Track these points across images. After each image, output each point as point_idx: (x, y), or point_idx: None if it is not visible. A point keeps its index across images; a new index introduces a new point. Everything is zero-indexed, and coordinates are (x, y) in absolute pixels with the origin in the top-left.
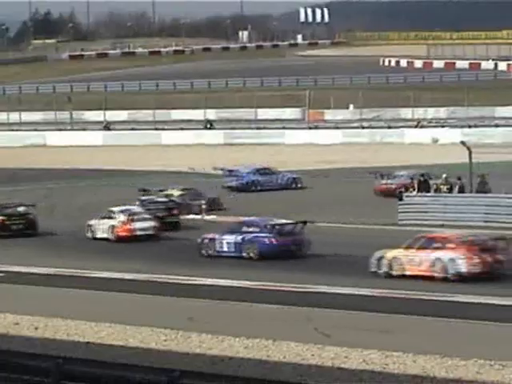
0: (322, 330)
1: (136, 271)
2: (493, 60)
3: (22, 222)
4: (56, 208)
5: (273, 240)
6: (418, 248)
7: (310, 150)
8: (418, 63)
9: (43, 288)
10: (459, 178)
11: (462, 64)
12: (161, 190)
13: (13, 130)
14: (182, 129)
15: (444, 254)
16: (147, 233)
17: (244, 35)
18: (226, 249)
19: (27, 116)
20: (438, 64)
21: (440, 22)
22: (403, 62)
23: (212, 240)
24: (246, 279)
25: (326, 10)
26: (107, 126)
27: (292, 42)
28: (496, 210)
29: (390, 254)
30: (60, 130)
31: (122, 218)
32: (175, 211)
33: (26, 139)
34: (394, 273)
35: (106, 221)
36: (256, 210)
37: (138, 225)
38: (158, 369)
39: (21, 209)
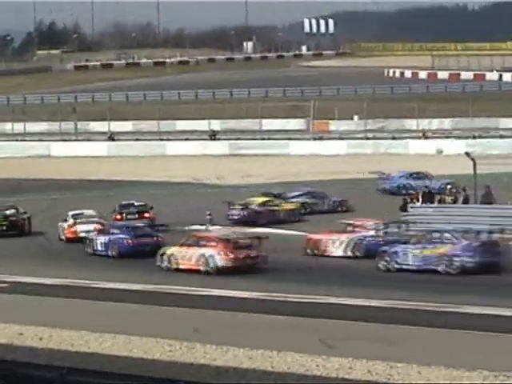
0: (326, 340)
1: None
2: (497, 71)
3: (5, 223)
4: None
5: (129, 241)
6: (189, 245)
7: (315, 161)
8: (423, 74)
9: (47, 298)
10: (464, 189)
11: (466, 75)
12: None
13: (17, 141)
14: (186, 139)
15: (206, 251)
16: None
17: (249, 46)
18: (99, 248)
19: (32, 126)
20: (443, 75)
21: (445, 32)
22: (408, 73)
23: (91, 240)
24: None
25: (330, 21)
26: (112, 137)
27: (297, 52)
28: (501, 221)
29: (169, 250)
30: (64, 140)
31: (71, 221)
32: (146, 215)
33: (30, 149)
34: (172, 267)
35: (62, 223)
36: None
37: (81, 227)
38: (160, 379)
39: (8, 211)
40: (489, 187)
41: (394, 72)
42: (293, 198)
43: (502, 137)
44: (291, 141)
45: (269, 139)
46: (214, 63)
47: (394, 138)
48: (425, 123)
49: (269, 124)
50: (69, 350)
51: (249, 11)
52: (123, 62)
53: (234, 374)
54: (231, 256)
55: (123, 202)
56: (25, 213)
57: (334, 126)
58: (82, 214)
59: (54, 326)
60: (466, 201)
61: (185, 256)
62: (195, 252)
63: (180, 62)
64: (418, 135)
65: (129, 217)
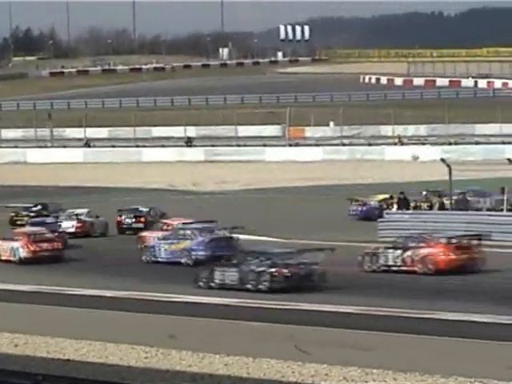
0: (302, 347)
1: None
2: (473, 78)
3: None
4: None
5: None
6: (4, 239)
7: (291, 167)
8: (399, 81)
9: (23, 305)
10: (439, 196)
11: (442, 81)
12: None
13: None
14: (162, 146)
15: (11, 244)
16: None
17: (224, 52)
18: None
19: (7, 133)
20: (419, 81)
21: (420, 39)
22: (383, 80)
23: None
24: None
25: (306, 27)
26: (88, 143)
27: (272, 59)
28: (476, 228)
29: None
30: (40, 147)
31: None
32: (142, 219)
33: (6, 156)
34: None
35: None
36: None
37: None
38: None
39: None
40: (464, 193)
41: (370, 78)
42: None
43: (477, 143)
44: (267, 147)
45: (245, 146)
46: (189, 70)
47: (369, 145)
48: (400, 129)
49: (245, 131)
50: (44, 357)
51: (224, 17)
52: (99, 68)
53: (209, 380)
54: (32, 248)
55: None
56: None
57: (310, 132)
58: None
59: (30, 332)
60: (441, 207)
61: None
62: (8, 245)
63: (156, 69)
64: (394, 141)
65: (127, 220)
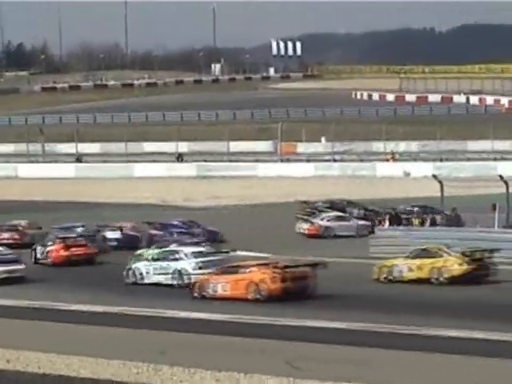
0: (293, 363)
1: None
2: (465, 94)
3: None
4: None
5: None
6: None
7: (283, 183)
8: (390, 97)
9: (15, 320)
10: (431, 212)
11: (433, 98)
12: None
13: None
14: (154, 161)
15: None
16: None
17: (216, 68)
18: None
19: None
20: (410, 98)
21: (412, 55)
22: (375, 96)
23: None
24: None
25: (298, 43)
26: (79, 158)
27: (264, 74)
28: (468, 244)
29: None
30: (32, 162)
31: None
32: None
33: None
34: None
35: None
36: None
37: None
38: None
39: None
40: (455, 209)
41: (362, 94)
42: None
43: (469, 159)
44: (259, 163)
45: (236, 161)
46: (182, 85)
47: (361, 161)
48: (392, 146)
49: (237, 146)
50: (36, 373)
51: (216, 33)
52: (91, 83)
53: None
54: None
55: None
56: None
57: (302, 148)
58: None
59: (22, 348)
60: (433, 223)
61: None
62: None
63: (148, 84)
64: (386, 158)
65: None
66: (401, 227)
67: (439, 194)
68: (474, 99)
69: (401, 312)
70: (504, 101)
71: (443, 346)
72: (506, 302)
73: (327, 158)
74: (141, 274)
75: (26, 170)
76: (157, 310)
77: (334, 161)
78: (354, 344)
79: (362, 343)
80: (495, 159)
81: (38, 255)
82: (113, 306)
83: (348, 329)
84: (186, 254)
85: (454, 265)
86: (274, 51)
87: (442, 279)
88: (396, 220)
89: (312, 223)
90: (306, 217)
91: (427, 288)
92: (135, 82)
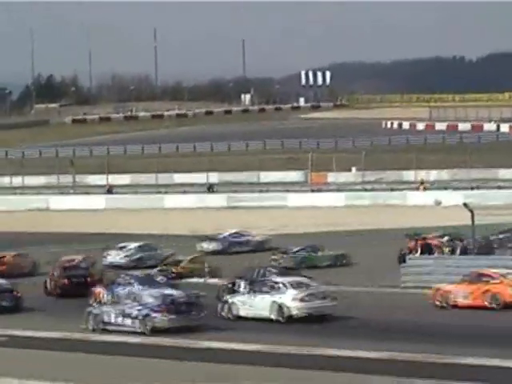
0: None
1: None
2: (495, 122)
3: None
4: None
5: None
6: None
7: (313, 213)
8: (421, 125)
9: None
10: (461, 240)
11: (464, 126)
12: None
13: (16, 194)
14: (184, 192)
15: None
16: None
17: (246, 98)
18: None
19: (30, 180)
20: (441, 126)
21: (442, 84)
22: (405, 125)
23: None
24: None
25: (327, 73)
26: (110, 190)
27: (294, 104)
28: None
29: None
30: (63, 193)
31: None
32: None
33: (29, 203)
34: None
35: None
36: None
37: None
38: None
39: None
40: (488, 238)
41: (392, 124)
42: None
43: (499, 188)
44: (289, 193)
45: (267, 191)
46: (211, 116)
47: (392, 190)
48: (423, 174)
49: (267, 176)
50: None
51: (246, 63)
52: (121, 115)
53: None
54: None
55: None
56: None
57: (332, 177)
58: None
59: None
60: (463, 251)
61: None
62: None
63: (178, 115)
64: (417, 186)
65: None
66: (432, 256)
67: (470, 223)
68: (504, 127)
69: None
70: None
71: None
72: None
73: (358, 187)
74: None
75: (57, 201)
76: None
77: (365, 190)
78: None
79: None
80: None
81: None
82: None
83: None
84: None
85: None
86: (303, 81)
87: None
88: (427, 248)
89: None
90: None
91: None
92: (165, 113)
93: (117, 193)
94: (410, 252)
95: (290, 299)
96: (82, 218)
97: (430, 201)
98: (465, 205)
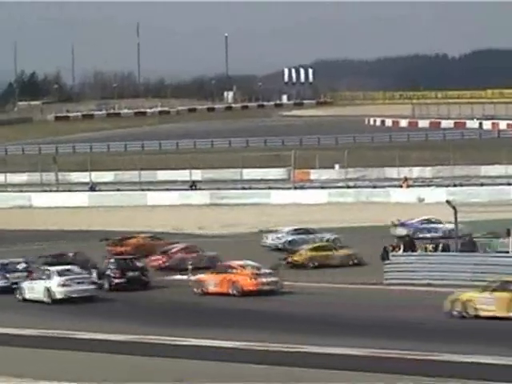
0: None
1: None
2: (478, 119)
3: None
4: None
5: None
6: None
7: (296, 210)
8: (403, 122)
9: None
10: (443, 237)
11: (447, 123)
12: None
13: None
14: (167, 189)
15: None
16: None
17: (229, 95)
18: None
19: (12, 177)
20: (423, 123)
21: (425, 81)
22: (388, 122)
23: None
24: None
25: (310, 70)
26: (93, 187)
27: (277, 102)
28: (483, 269)
29: None
30: (45, 191)
31: None
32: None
33: (11, 200)
34: None
35: None
36: None
37: None
38: None
39: None
40: (470, 235)
41: (375, 121)
42: None
43: (482, 185)
44: (272, 190)
45: (250, 189)
46: (194, 113)
47: (374, 187)
48: (406, 171)
49: (250, 173)
50: None
51: (229, 61)
52: (104, 112)
53: None
54: None
55: None
56: None
57: (315, 175)
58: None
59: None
60: (445, 249)
61: None
62: None
63: (161, 113)
64: (400, 183)
65: None
66: (415, 253)
67: (453, 220)
68: (487, 124)
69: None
70: None
71: None
72: None
73: (341, 184)
74: None
75: (39, 199)
76: None
77: (348, 187)
78: None
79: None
80: (509, 184)
81: None
82: None
83: None
84: None
85: None
86: (286, 78)
87: None
88: (410, 245)
89: None
90: None
91: None
92: (148, 110)
93: (100, 190)
94: (394, 249)
95: (56, 285)
96: (65, 215)
97: (413, 198)
98: (448, 202)
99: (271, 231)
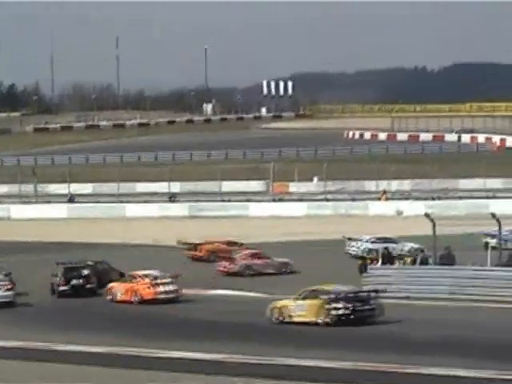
0: None
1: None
2: (456, 132)
3: None
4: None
5: None
6: None
7: (275, 223)
8: (382, 135)
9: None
10: (422, 250)
11: (425, 136)
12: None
13: None
14: (146, 201)
15: None
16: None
17: (208, 108)
18: None
19: None
20: (402, 136)
21: (404, 94)
22: (367, 135)
23: None
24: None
25: (289, 83)
26: (72, 199)
27: (256, 114)
28: (461, 282)
29: None
30: (24, 202)
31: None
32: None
33: None
34: None
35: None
36: None
37: None
38: None
39: None
40: (448, 248)
41: (354, 133)
42: None
43: (461, 198)
44: (251, 202)
45: (229, 201)
46: (173, 125)
47: (353, 200)
48: (384, 184)
49: (229, 186)
50: None
51: (208, 73)
52: (83, 124)
53: None
54: None
55: None
56: None
57: (294, 187)
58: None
59: None
60: (423, 262)
61: None
62: None
63: (140, 125)
64: (378, 196)
65: None
66: (393, 266)
67: (431, 233)
68: (465, 138)
69: None
70: (495, 139)
71: None
72: None
73: (320, 197)
74: None
75: (18, 210)
76: None
77: (327, 200)
78: None
79: None
80: (487, 197)
81: None
82: None
83: None
84: None
85: None
86: (265, 91)
87: None
88: (388, 258)
89: None
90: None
91: None
92: (127, 122)
93: (79, 202)
94: (372, 262)
95: None
96: (44, 227)
97: (392, 211)
98: (426, 215)
99: (355, 239)
